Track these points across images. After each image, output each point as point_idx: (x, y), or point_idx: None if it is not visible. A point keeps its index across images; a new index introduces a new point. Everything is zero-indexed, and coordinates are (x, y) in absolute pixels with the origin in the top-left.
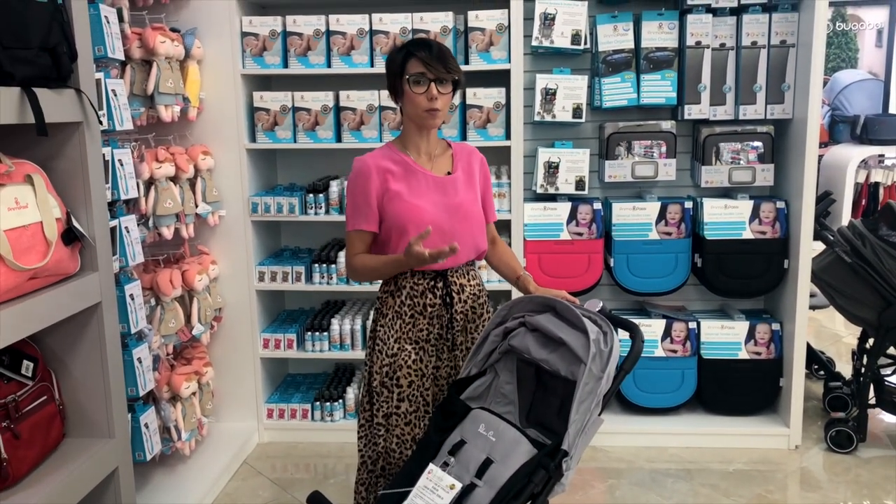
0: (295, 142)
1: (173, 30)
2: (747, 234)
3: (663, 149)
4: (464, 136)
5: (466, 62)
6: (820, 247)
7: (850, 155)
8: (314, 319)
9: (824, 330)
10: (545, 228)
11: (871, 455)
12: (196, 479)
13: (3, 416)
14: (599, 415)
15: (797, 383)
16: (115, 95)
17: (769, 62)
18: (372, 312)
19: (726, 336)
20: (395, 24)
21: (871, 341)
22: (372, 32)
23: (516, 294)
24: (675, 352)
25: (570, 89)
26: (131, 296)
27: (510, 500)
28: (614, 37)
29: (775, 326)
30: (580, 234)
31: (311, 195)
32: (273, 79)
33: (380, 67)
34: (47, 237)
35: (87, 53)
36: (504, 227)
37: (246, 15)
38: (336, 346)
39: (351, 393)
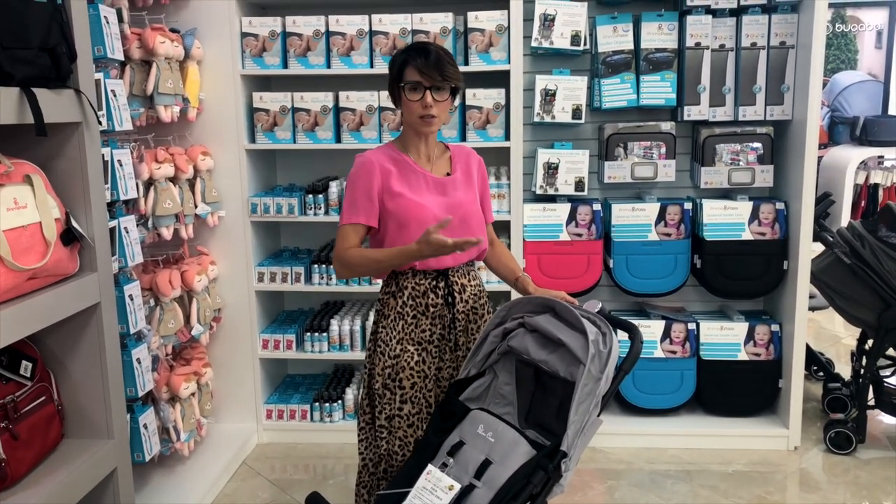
0: (294, 142)
1: (173, 30)
2: (747, 236)
3: (663, 150)
4: (463, 137)
5: (466, 63)
6: (819, 248)
7: (850, 156)
8: (313, 320)
9: (824, 331)
10: (545, 229)
11: (871, 456)
12: (195, 479)
13: (2, 416)
14: (598, 416)
15: (796, 384)
16: (115, 96)
17: (769, 63)
18: (372, 314)
19: (725, 337)
20: (394, 24)
21: (870, 342)
22: (371, 33)
23: (516, 295)
24: (674, 353)
25: (570, 90)
26: (130, 296)
27: (509, 500)
28: (614, 38)
29: (774, 327)
30: (579, 235)
31: (310, 196)
32: (273, 79)
33: (379, 68)
34: (46, 237)
35: (86, 54)
36: (504, 227)
37: (245, 15)
38: (335, 346)
39: (350, 394)
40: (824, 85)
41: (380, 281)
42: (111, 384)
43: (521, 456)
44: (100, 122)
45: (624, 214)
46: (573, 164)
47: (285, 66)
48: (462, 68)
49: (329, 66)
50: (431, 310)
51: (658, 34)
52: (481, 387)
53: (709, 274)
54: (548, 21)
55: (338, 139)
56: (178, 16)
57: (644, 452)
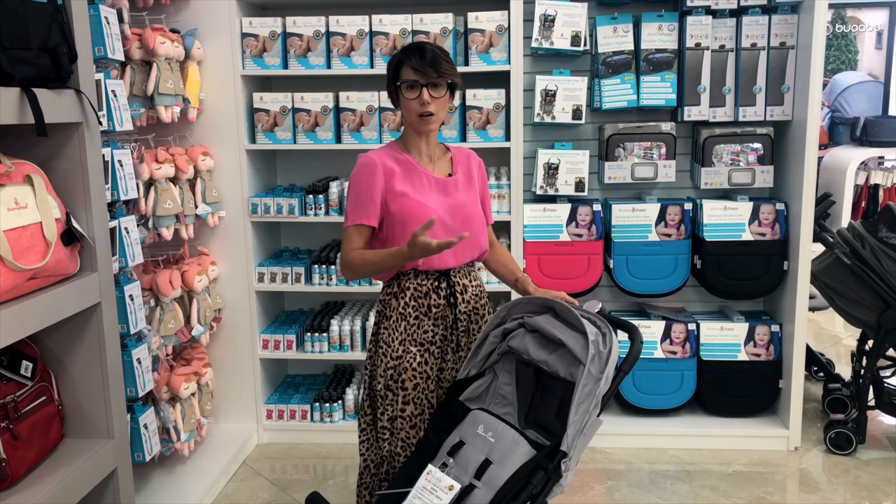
0: (295, 143)
1: (173, 31)
2: (747, 236)
3: (663, 150)
4: (463, 138)
5: (466, 63)
6: (819, 248)
7: (850, 157)
8: (314, 320)
9: (824, 331)
10: (545, 230)
11: (871, 457)
12: (195, 479)
13: (3, 416)
14: (598, 416)
15: (796, 385)
16: (115, 96)
17: (769, 64)
18: (373, 315)
19: (726, 337)
20: (394, 25)
21: (870, 343)
22: (372, 34)
23: (516, 295)
24: (674, 353)
25: (570, 91)
26: (131, 296)
27: (509, 500)
28: (614, 38)
29: (775, 328)
30: (580, 236)
31: (310, 196)
32: (273, 80)
33: (379, 69)
34: (47, 237)
35: (86, 54)
36: (504, 228)
37: (246, 16)
38: (335, 346)
39: (350, 394)
40: (824, 85)
41: (380, 281)
42: (111, 384)
43: (521, 456)
44: (100, 123)
45: (624, 215)
46: (573, 164)
47: (285, 66)
48: (462, 69)
49: (329, 67)
50: (434, 310)
51: (658, 35)
52: (481, 387)
53: (709, 274)
54: (548, 21)
55: (338, 139)
56: (179, 16)
57: (644, 453)
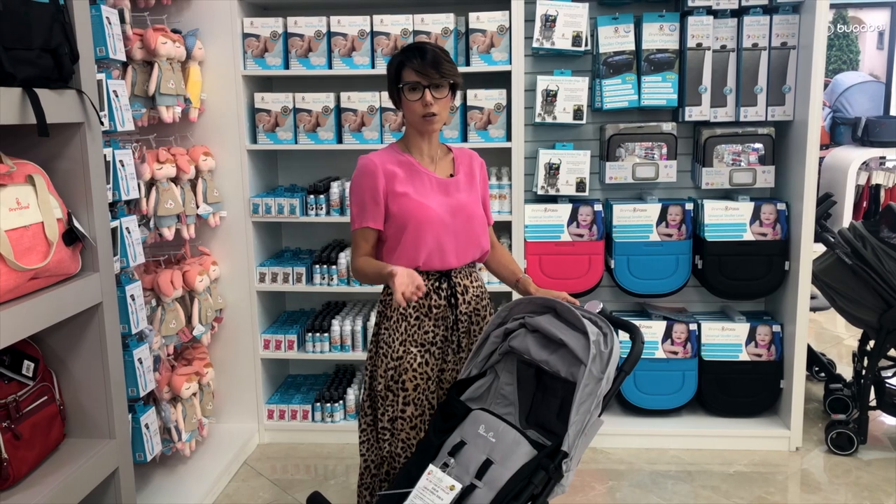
0: (296, 143)
1: (175, 31)
2: (748, 236)
3: (664, 150)
4: (464, 138)
5: (467, 63)
6: (821, 249)
7: (851, 157)
8: (315, 320)
9: (825, 332)
10: (546, 230)
11: (872, 457)
12: (196, 479)
13: (4, 416)
14: (599, 416)
15: (798, 385)
16: (117, 96)
17: (770, 64)
18: (374, 315)
19: (727, 338)
20: (395, 25)
21: (871, 343)
22: (373, 34)
23: (517, 296)
24: (675, 353)
25: (571, 91)
26: (132, 296)
27: (510, 501)
28: (615, 38)
29: (776, 328)
30: (581, 236)
31: (311, 196)
32: (274, 80)
33: (380, 69)
34: (48, 237)
35: (88, 54)
36: (505, 228)
37: (247, 16)
38: (336, 347)
39: (351, 394)
40: (826, 86)
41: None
42: (113, 384)
43: (523, 456)
44: (102, 123)
45: (625, 215)
46: (574, 164)
47: (287, 66)
48: (463, 69)
49: (330, 67)
50: (434, 311)
51: (659, 35)
52: (482, 387)
53: (710, 274)
54: (549, 22)
55: (339, 140)
56: (180, 16)
57: (645, 453)
